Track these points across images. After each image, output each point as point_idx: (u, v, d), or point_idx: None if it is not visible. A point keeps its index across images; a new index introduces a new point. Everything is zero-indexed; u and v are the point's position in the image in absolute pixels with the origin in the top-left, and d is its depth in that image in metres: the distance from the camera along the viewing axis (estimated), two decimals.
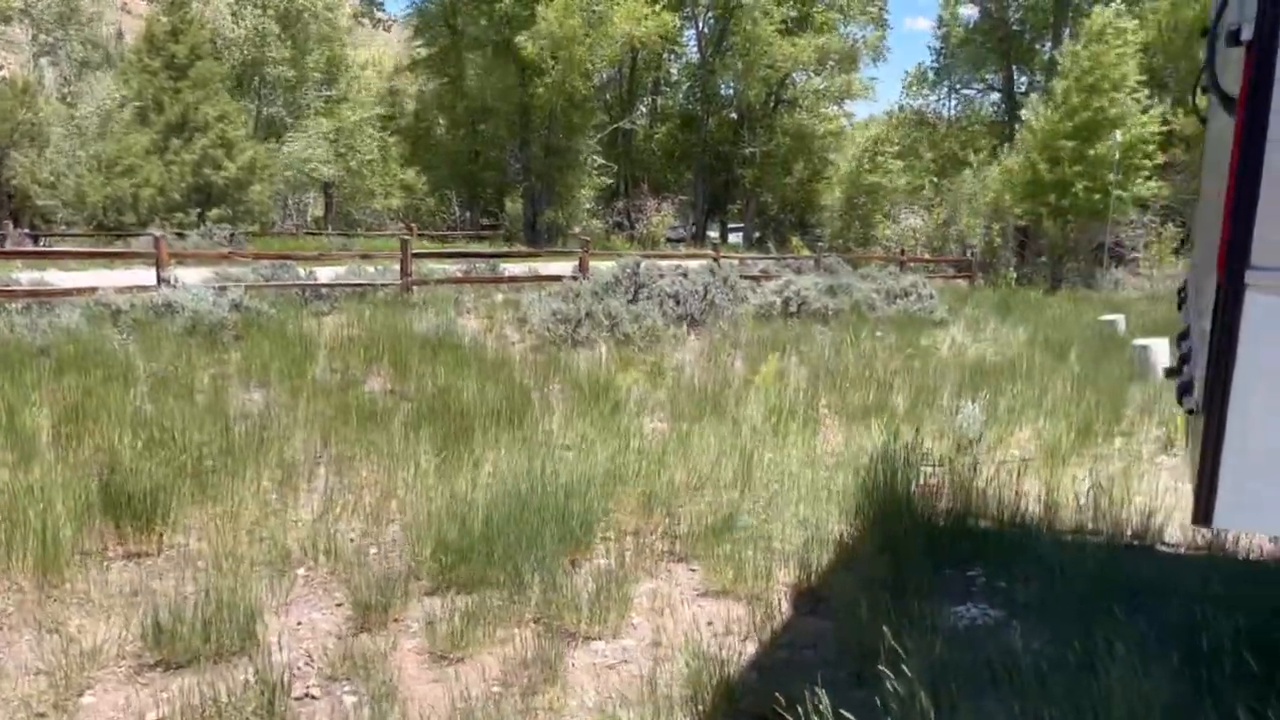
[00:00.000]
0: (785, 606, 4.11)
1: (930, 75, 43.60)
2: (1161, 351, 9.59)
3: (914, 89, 44.91)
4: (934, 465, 5.72)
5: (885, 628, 3.64)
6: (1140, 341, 9.84)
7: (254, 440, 6.02)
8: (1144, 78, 25.81)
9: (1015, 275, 26.69)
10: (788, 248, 33.76)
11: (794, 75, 42.14)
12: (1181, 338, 3.05)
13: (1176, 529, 5.09)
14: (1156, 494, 5.63)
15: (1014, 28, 41.09)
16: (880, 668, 3.32)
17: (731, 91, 43.23)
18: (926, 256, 27.60)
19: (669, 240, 39.77)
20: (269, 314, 11.69)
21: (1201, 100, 4.34)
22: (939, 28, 43.41)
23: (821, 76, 42.00)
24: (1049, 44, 38.12)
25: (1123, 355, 10.59)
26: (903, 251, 26.76)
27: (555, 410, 7.55)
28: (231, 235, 24.95)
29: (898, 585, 4.11)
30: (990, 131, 40.68)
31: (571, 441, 6.54)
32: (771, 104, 43.03)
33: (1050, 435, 6.97)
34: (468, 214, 43.89)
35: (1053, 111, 25.85)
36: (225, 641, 3.62)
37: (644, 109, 46.10)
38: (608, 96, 43.33)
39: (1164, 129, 26.30)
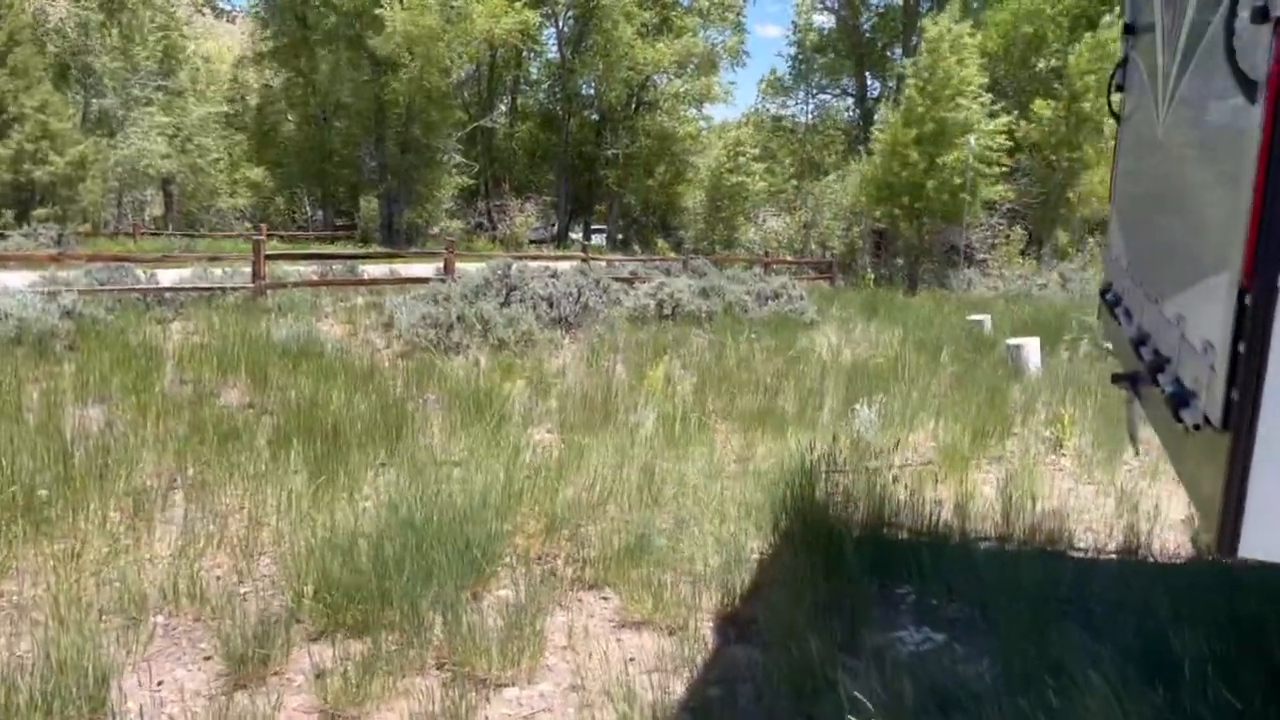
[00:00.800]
0: (711, 636, 3.81)
1: (786, 81, 44.47)
2: (1033, 351, 9.79)
3: (770, 94, 45.71)
4: (844, 472, 5.55)
5: (822, 657, 3.40)
6: (1013, 341, 10.04)
7: (96, 465, 5.34)
8: (985, 80, 26.84)
9: (873, 276, 27.37)
10: (652, 249, 33.70)
11: (655, 77, 42.21)
12: (1139, 344, 2.89)
13: (1085, 532, 5.05)
14: (1056, 496, 5.61)
15: (866, 35, 42.32)
16: (830, 700, 3.08)
17: (592, 92, 43.00)
18: (789, 258, 27.99)
19: (531, 241, 39.22)
20: (107, 321, 10.72)
21: (1116, 98, 4.27)
22: (794, 34, 44.35)
23: (682, 79, 42.24)
24: (900, 52, 39.40)
25: (994, 355, 10.80)
26: (766, 254, 27.07)
27: (435, 423, 7.08)
28: (60, 236, 23.13)
29: (828, 608, 3.87)
30: (846, 136, 41.75)
31: (457, 457, 6.09)
32: (633, 105, 43.00)
33: (946, 438, 6.93)
34: (320, 214, 42.22)
35: (901, 118, 26.61)
36: (71, 711, 3.07)
37: (504, 107, 45.35)
38: (465, 94, 42.44)
39: (1008, 135, 27.40)
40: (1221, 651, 3.00)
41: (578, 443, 6.45)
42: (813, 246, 29.93)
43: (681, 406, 7.78)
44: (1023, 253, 26.92)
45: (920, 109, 25.72)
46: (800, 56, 43.70)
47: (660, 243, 35.80)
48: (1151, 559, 4.70)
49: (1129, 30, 3.96)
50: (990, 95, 26.60)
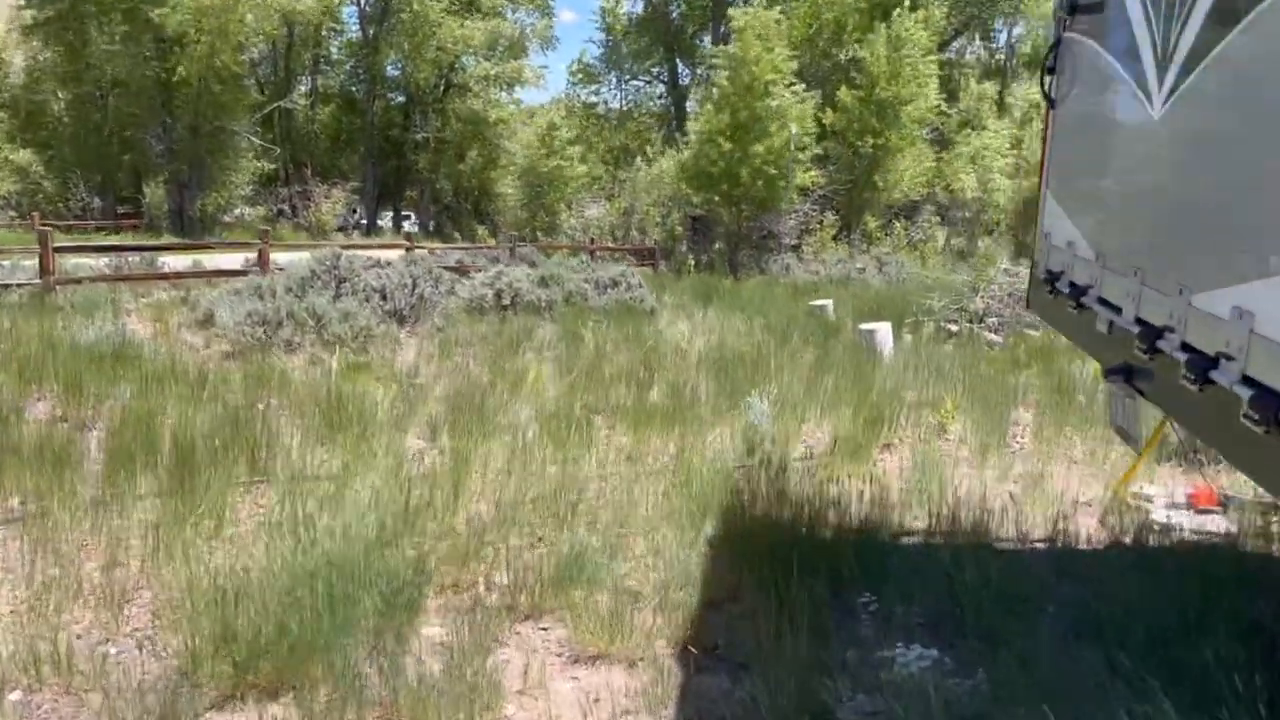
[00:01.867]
0: (675, 666, 3.48)
1: (596, 67, 44.33)
2: (886, 335, 9.95)
3: (580, 80, 45.45)
4: (753, 468, 5.34)
5: (808, 684, 3.15)
6: (865, 326, 10.17)
7: None
8: (795, 67, 27.50)
9: (694, 263, 27.61)
10: (470, 237, 32.78)
11: (464, 59, 41.05)
12: (1155, 336, 2.76)
13: (1007, 522, 5.00)
14: (963, 484, 5.58)
15: (675, 22, 42.67)
16: None
17: (399, 73, 41.40)
18: (611, 245, 27.84)
19: (338, 229, 37.39)
20: None
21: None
22: (602, 19, 44.17)
23: (492, 61, 41.27)
24: (708, 39, 39.97)
25: (843, 339, 10.93)
26: (592, 241, 26.85)
27: (293, 433, 6.38)
28: None
29: (792, 625, 3.61)
30: (660, 122, 42.03)
31: (331, 471, 5.50)
32: (442, 88, 41.70)
33: (837, 427, 6.85)
34: (97, 201, 38.72)
35: (714, 106, 26.90)
36: None
37: (304, 88, 42.97)
38: (260, 73, 39.99)
39: (816, 122, 28.19)
40: (1230, 652, 2.94)
41: (460, 449, 5.96)
42: (634, 234, 29.95)
43: (558, 404, 7.40)
44: (835, 238, 27.87)
45: (733, 97, 26.07)
46: (609, 42, 43.62)
47: (480, 230, 34.87)
48: (1085, 546, 4.73)
49: (1072, 10, 3.88)
50: (802, 85, 27.28)
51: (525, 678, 3.36)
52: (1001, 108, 41.08)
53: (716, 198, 26.60)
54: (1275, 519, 4.88)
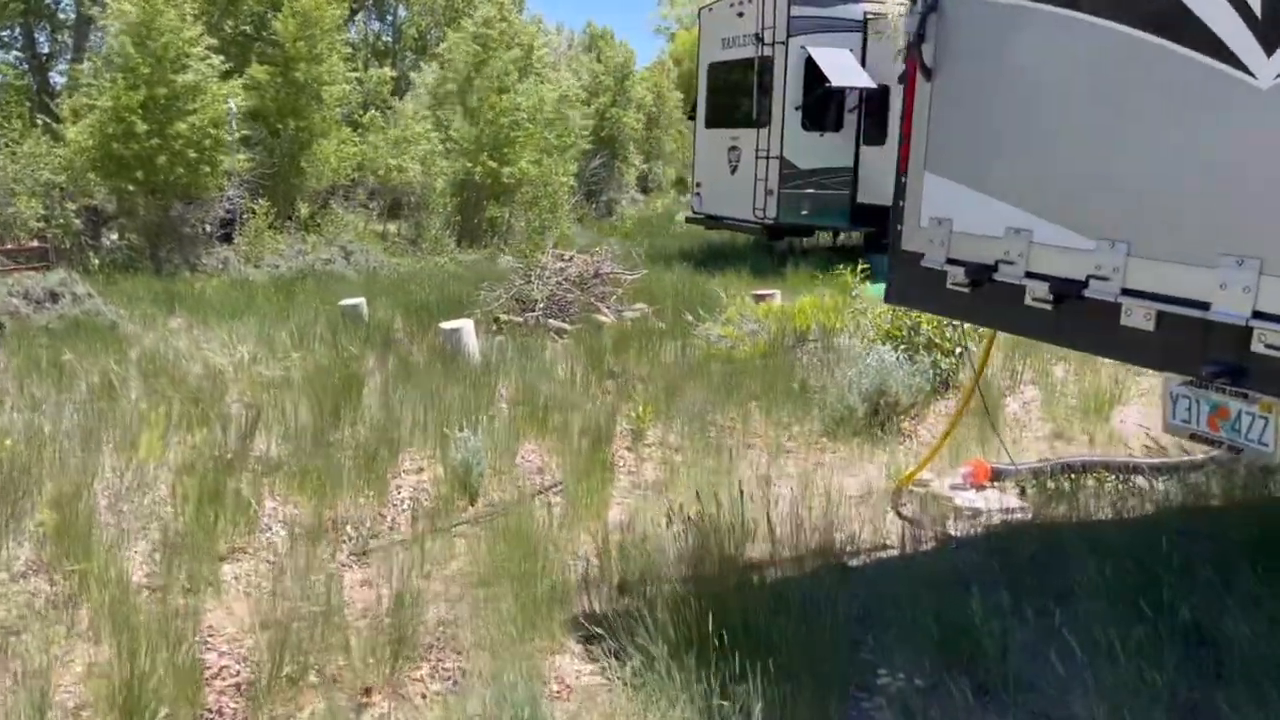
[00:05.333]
0: None
1: None
2: (470, 334, 8.97)
3: None
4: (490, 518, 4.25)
5: None
6: (447, 325, 9.02)
7: None
8: (214, 42, 24.45)
9: (98, 262, 23.36)
10: None
11: None
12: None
13: (832, 532, 4.53)
14: (737, 494, 5.02)
15: None
16: None
17: None
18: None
19: None
20: None
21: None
22: None
23: None
24: (72, 1, 33.92)
25: (404, 344, 9.74)
26: None
27: None
28: None
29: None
30: (22, 99, 34.61)
31: None
32: None
33: (541, 450, 5.87)
34: None
35: (122, 80, 22.87)
36: None
37: None
38: None
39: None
40: None
41: (83, 572, 3.94)
42: (17, 231, 24.25)
43: (142, 474, 5.38)
44: (272, 226, 25.39)
45: (144, 70, 22.32)
46: None
47: None
48: (930, 546, 4.46)
49: None
50: (221, 58, 24.25)
51: None
52: (400, 91, 40.80)
53: (131, 186, 22.72)
54: (1033, 485, 5.12)
